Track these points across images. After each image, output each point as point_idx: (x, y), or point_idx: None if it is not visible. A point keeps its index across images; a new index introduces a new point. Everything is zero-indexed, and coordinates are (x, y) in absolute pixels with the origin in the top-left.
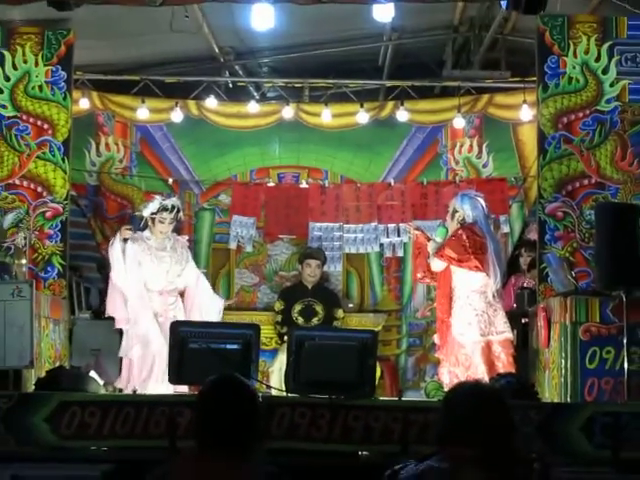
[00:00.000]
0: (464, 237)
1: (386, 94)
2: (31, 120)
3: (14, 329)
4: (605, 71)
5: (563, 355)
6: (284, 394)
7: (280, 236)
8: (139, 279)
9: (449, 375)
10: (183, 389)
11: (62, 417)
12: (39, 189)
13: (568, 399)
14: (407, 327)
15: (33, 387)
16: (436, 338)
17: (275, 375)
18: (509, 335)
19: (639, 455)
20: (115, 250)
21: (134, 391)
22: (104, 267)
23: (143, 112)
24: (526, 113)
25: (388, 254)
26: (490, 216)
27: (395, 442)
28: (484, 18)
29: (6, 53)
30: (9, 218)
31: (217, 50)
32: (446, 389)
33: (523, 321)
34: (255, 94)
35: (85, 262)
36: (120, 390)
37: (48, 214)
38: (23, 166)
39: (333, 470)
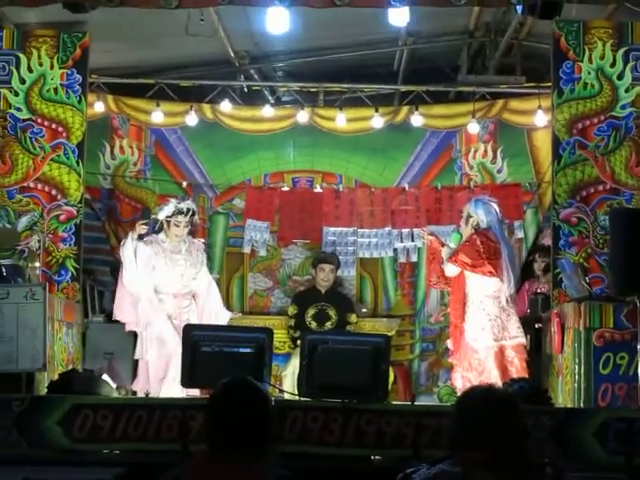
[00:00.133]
0: (478, 242)
1: (401, 99)
2: (46, 123)
3: (27, 332)
4: (620, 77)
5: (577, 361)
6: (297, 398)
7: (294, 240)
8: (150, 282)
9: (462, 380)
10: (195, 392)
11: (75, 420)
12: (53, 192)
13: (581, 405)
14: (420, 332)
15: (46, 390)
16: (449, 343)
17: (288, 379)
18: (522, 340)
19: None
20: (127, 250)
21: (147, 394)
22: (118, 271)
23: (158, 115)
24: (541, 118)
25: (402, 259)
26: (504, 221)
27: (407, 446)
28: (500, 23)
29: (22, 56)
30: (23, 221)
31: (232, 54)
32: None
33: (537, 326)
34: (270, 98)
35: (99, 266)
36: (134, 393)
37: (62, 217)
38: (37, 169)
39: (345, 474)
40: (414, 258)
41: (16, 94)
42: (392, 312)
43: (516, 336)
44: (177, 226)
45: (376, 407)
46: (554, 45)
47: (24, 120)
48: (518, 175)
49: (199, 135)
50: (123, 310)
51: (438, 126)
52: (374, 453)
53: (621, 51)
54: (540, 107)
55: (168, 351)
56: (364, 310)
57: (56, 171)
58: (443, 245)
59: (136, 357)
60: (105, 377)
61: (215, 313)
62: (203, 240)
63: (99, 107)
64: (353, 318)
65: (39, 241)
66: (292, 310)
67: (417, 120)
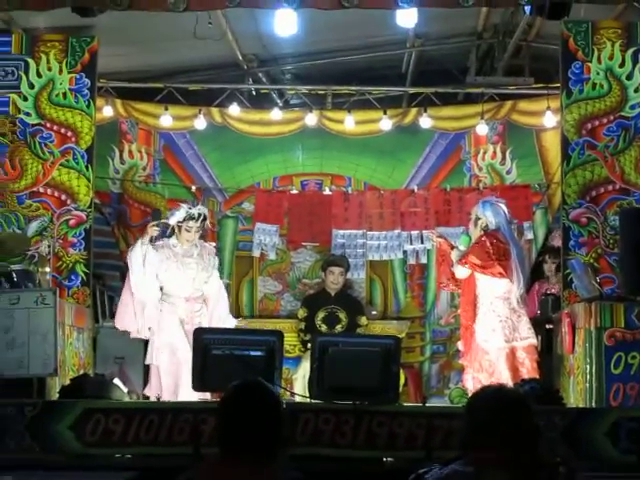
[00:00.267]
0: (488, 244)
1: (409, 101)
2: (55, 128)
3: (38, 337)
4: (629, 77)
5: (588, 361)
6: (308, 400)
7: (303, 243)
8: (157, 287)
9: (473, 381)
10: (207, 396)
11: (86, 424)
12: (63, 197)
13: (593, 405)
14: (431, 334)
15: (57, 395)
16: (460, 345)
17: (299, 383)
18: (533, 341)
19: None
20: (135, 255)
21: (158, 398)
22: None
23: (166, 119)
24: (550, 119)
25: (411, 261)
26: (512, 221)
27: (419, 448)
28: (508, 24)
29: (30, 61)
30: (33, 226)
31: (240, 57)
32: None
33: (547, 327)
34: (278, 101)
35: (109, 270)
36: (147, 398)
37: (72, 222)
38: (47, 174)
39: (357, 476)
40: (424, 260)
41: (25, 99)
42: (402, 314)
43: (527, 337)
44: (188, 231)
45: (388, 409)
46: (563, 46)
47: (33, 125)
48: (527, 176)
49: (208, 139)
50: (124, 320)
51: (447, 128)
52: (386, 455)
53: (630, 51)
54: (549, 108)
55: (179, 357)
56: (374, 312)
57: (65, 176)
58: (452, 247)
59: (147, 362)
60: (116, 381)
61: (223, 319)
62: (214, 244)
63: (108, 111)
64: (363, 321)
65: (49, 246)
66: (302, 313)
67: (426, 122)
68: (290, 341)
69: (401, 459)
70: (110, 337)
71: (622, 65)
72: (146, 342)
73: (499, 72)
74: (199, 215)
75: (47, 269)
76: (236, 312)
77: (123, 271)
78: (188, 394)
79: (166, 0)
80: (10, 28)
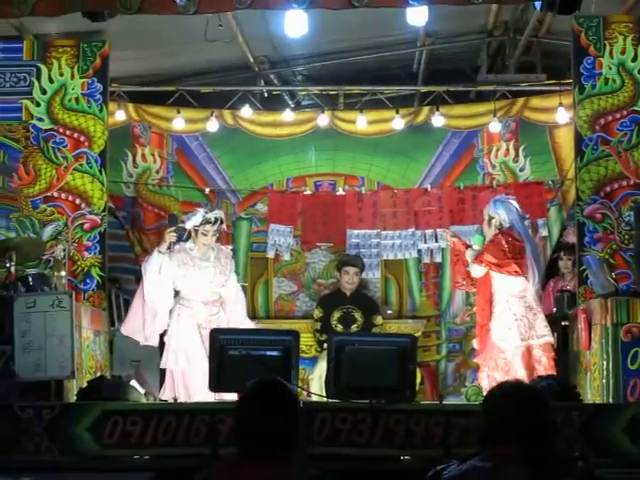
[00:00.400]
0: (503, 242)
1: (421, 100)
2: (68, 132)
3: (54, 340)
4: None
5: (604, 357)
6: (325, 400)
7: (318, 244)
8: (171, 296)
9: (488, 380)
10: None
11: (104, 426)
12: (77, 201)
13: (610, 400)
14: (446, 333)
15: (75, 397)
16: (475, 343)
17: (315, 383)
18: (550, 339)
19: None
20: (152, 263)
21: (175, 399)
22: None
23: (179, 122)
24: (562, 116)
25: (426, 260)
26: (525, 216)
27: (437, 446)
28: (518, 21)
29: (42, 66)
30: (48, 230)
31: (251, 59)
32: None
33: (563, 324)
34: (290, 102)
35: (124, 274)
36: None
37: (86, 226)
38: (61, 179)
39: (375, 475)
40: (438, 259)
41: (38, 104)
42: (417, 313)
43: (543, 335)
44: (205, 235)
45: (405, 407)
46: (574, 41)
47: (46, 130)
48: (541, 173)
49: (220, 141)
50: (132, 327)
51: (459, 126)
52: (403, 453)
53: None
54: (561, 104)
55: (193, 363)
56: (389, 312)
57: (79, 180)
58: (467, 246)
59: (161, 366)
60: (133, 383)
61: (240, 322)
62: (231, 247)
63: (120, 115)
64: (379, 320)
65: (64, 250)
66: (318, 313)
67: (438, 121)
68: (306, 341)
69: (419, 457)
70: (126, 340)
71: (634, 59)
72: (162, 346)
73: (511, 69)
74: (216, 219)
75: (63, 273)
76: (252, 313)
77: (138, 274)
78: (202, 399)
79: (176, 3)
80: (21, 34)
